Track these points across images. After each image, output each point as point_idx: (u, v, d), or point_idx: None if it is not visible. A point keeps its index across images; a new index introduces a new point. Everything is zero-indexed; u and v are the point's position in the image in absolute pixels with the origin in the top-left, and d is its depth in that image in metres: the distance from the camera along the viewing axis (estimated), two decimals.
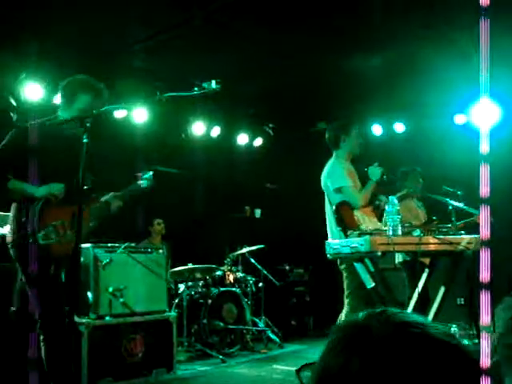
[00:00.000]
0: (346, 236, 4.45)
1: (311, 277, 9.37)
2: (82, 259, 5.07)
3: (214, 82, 3.38)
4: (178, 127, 8.60)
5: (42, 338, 3.82)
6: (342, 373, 0.87)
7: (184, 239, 8.12)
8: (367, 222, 4.75)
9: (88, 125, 3.11)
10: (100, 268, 5.27)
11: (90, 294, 5.25)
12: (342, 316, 4.86)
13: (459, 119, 8.47)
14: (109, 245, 5.61)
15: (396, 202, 4.11)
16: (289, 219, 9.59)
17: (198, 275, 7.50)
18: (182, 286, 7.24)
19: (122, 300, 5.30)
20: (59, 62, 6.64)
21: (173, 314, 5.96)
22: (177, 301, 7.03)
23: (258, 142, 9.65)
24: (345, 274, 4.83)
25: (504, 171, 5.83)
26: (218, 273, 7.62)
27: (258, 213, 9.68)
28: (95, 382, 4.98)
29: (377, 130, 9.24)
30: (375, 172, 4.90)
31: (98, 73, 6.81)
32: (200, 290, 7.23)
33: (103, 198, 4.21)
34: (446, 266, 4.68)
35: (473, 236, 4.23)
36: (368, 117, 9.17)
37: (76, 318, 4.90)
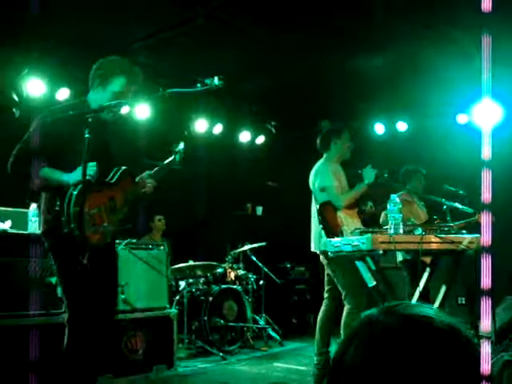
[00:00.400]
0: (328, 235, 4.51)
1: (312, 275, 9.36)
2: None
3: (216, 78, 3.38)
4: (181, 124, 8.59)
5: (66, 330, 3.68)
6: (353, 364, 0.90)
7: (185, 236, 8.12)
8: (350, 223, 4.80)
9: (90, 120, 3.08)
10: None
11: None
12: (345, 314, 4.86)
13: (461, 119, 8.47)
14: None
15: (398, 200, 4.11)
16: (290, 217, 9.58)
17: (199, 272, 7.50)
18: (182, 283, 7.24)
19: (122, 296, 5.30)
20: (61, 58, 6.65)
21: (173, 310, 5.96)
22: (177, 298, 7.03)
23: (260, 139, 9.65)
24: (337, 272, 4.88)
25: (506, 171, 5.83)
26: (219, 270, 7.62)
27: (259, 210, 9.68)
28: (95, 379, 4.98)
29: (379, 128, 9.24)
30: (369, 174, 4.98)
31: None
32: (201, 287, 7.23)
33: (137, 179, 4.06)
34: (448, 266, 4.68)
35: (474, 235, 4.22)
36: (370, 115, 9.17)
37: None
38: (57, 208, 3.53)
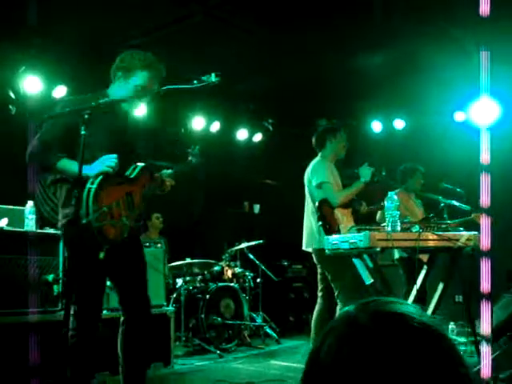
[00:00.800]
0: (327, 232, 4.51)
1: (309, 273, 9.36)
2: None
3: (213, 74, 3.38)
4: (178, 122, 8.58)
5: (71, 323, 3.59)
6: (326, 361, 0.90)
7: (182, 234, 8.11)
8: (345, 222, 4.80)
9: (86, 116, 3.06)
10: None
11: None
12: (337, 313, 4.87)
13: (459, 116, 8.47)
14: None
15: (395, 197, 4.10)
16: (287, 215, 9.58)
17: (196, 270, 7.50)
18: (179, 281, 7.24)
19: None
20: (58, 56, 6.63)
21: (171, 308, 5.96)
22: (175, 295, 7.02)
23: (258, 137, 9.64)
24: (330, 270, 4.91)
25: (504, 168, 5.83)
26: (216, 268, 7.62)
27: (256, 208, 9.68)
28: (93, 376, 4.97)
29: (376, 126, 9.24)
30: (365, 172, 4.98)
31: (97, 66, 6.87)
32: (198, 284, 7.23)
33: (154, 177, 4.01)
34: (445, 263, 4.68)
35: (472, 233, 4.23)
36: (368, 113, 9.16)
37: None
38: (73, 201, 3.51)
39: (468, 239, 4.19)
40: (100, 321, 3.76)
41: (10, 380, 4.39)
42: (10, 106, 6.75)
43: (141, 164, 3.86)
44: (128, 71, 3.75)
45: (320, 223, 4.69)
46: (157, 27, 6.35)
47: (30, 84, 6.72)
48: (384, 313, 0.92)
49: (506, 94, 6.82)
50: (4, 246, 4.63)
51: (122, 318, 3.78)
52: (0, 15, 5.88)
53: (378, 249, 3.92)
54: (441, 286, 4.55)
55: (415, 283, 4.71)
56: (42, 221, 5.58)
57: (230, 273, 7.67)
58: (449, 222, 4.43)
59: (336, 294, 4.87)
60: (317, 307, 5.13)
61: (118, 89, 3.77)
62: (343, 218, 4.88)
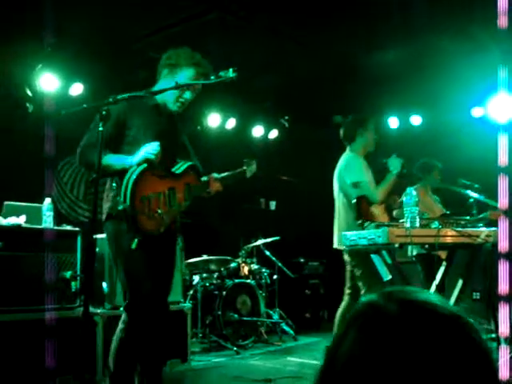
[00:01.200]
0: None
1: (326, 270, 9.35)
2: (97, 249, 5.13)
3: (231, 70, 3.36)
4: (194, 119, 8.57)
5: (121, 319, 3.64)
6: (348, 351, 0.88)
7: (199, 231, 8.11)
8: (381, 218, 4.71)
9: (104, 113, 3.06)
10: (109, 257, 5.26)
11: (105, 285, 5.26)
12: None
13: (476, 112, 8.40)
14: None
15: (414, 193, 4.06)
16: (304, 212, 9.57)
17: (213, 267, 7.50)
18: (196, 278, 7.23)
19: None
20: (75, 53, 6.65)
21: (187, 305, 5.96)
22: (191, 292, 7.03)
23: (274, 134, 9.61)
24: (358, 268, 4.78)
25: None
26: (233, 265, 7.61)
27: (272, 205, 9.65)
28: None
29: (393, 122, 9.18)
30: (395, 163, 4.80)
31: (113, 63, 6.89)
32: (214, 281, 7.23)
33: (203, 178, 3.96)
34: (464, 259, 4.63)
35: (491, 229, 4.18)
36: (385, 109, 9.11)
37: (91, 309, 4.92)
38: (114, 190, 3.52)
39: (488, 235, 4.14)
40: (162, 312, 3.77)
41: (27, 377, 4.41)
42: (27, 104, 6.79)
43: (188, 162, 3.86)
44: (174, 68, 3.76)
45: (358, 222, 4.47)
46: (172, 24, 6.35)
47: (47, 82, 6.75)
48: (412, 302, 0.90)
49: None
50: (22, 243, 4.65)
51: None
52: (16, 13, 5.91)
53: (397, 245, 3.88)
54: (460, 283, 4.50)
55: (434, 280, 4.67)
56: (59, 218, 5.60)
57: (246, 269, 7.66)
58: (468, 218, 4.37)
59: (363, 291, 4.78)
60: (342, 304, 4.99)
61: (164, 86, 3.73)
62: (379, 214, 4.79)
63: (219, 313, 6.78)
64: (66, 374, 4.56)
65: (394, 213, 6.14)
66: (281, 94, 8.49)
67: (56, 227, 4.97)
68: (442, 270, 4.70)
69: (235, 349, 6.58)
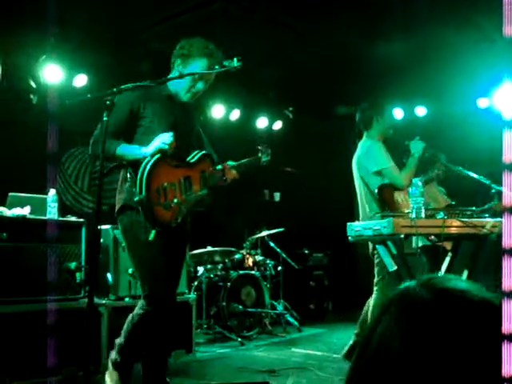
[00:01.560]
0: None
1: (330, 261, 9.34)
2: (101, 240, 5.13)
3: (235, 59, 3.35)
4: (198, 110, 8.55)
5: (139, 305, 3.68)
6: (383, 336, 0.89)
7: (203, 222, 8.11)
8: (405, 206, 4.58)
9: (108, 102, 3.05)
10: (120, 249, 5.27)
11: (109, 276, 5.26)
12: (371, 302, 4.77)
13: (482, 103, 8.36)
14: None
15: (420, 184, 4.04)
16: (308, 203, 9.56)
17: (217, 258, 7.50)
18: (201, 269, 7.24)
19: None
20: (79, 44, 6.63)
21: (192, 296, 5.96)
22: (196, 283, 7.03)
23: (278, 125, 9.59)
24: (377, 261, 4.72)
25: None
26: (237, 256, 7.61)
27: (277, 196, 9.65)
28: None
29: (398, 113, 9.14)
30: (417, 146, 4.73)
31: (117, 54, 6.87)
32: (219, 272, 7.23)
33: (218, 167, 3.96)
34: (469, 250, 4.61)
35: (497, 219, 4.16)
36: (389, 99, 9.06)
37: (96, 300, 4.92)
38: (129, 182, 3.51)
39: (493, 226, 4.12)
40: (173, 300, 3.79)
41: (31, 368, 4.41)
42: (31, 96, 6.77)
43: (203, 151, 3.85)
44: (187, 58, 3.75)
45: (384, 211, 4.32)
46: (176, 14, 6.32)
47: (51, 73, 6.73)
48: (446, 289, 0.90)
49: None
50: (27, 234, 4.64)
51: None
52: (18, 4, 5.89)
53: (402, 235, 3.87)
54: (465, 273, 4.48)
55: (439, 271, 4.65)
56: (64, 209, 5.60)
57: (250, 261, 7.66)
58: (473, 208, 4.34)
59: (376, 280, 4.72)
60: (372, 301, 4.85)
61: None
62: (402, 201, 4.69)
63: (224, 304, 6.78)
64: (70, 365, 4.56)
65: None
66: (285, 84, 8.47)
67: (60, 218, 4.97)
68: (447, 260, 4.68)
69: (240, 340, 6.58)
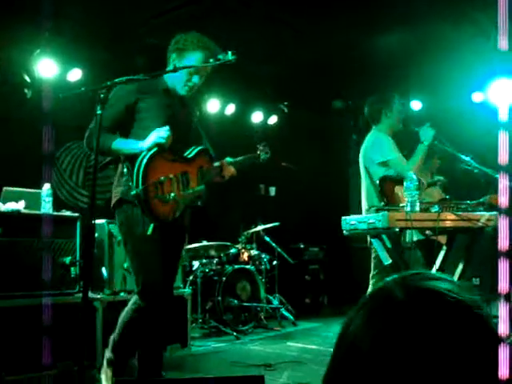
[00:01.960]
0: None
1: (326, 255, 9.35)
2: (96, 235, 5.12)
3: (230, 53, 3.34)
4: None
5: (133, 300, 3.67)
6: (356, 335, 0.87)
7: (198, 216, 8.10)
8: (403, 200, 4.58)
9: (102, 96, 3.04)
10: (115, 244, 5.26)
11: (104, 270, 5.25)
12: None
13: (477, 97, 8.36)
14: None
15: (415, 177, 4.04)
16: (303, 197, 9.56)
17: (213, 252, 7.50)
18: (196, 263, 7.24)
19: None
20: (74, 38, 6.60)
21: (187, 290, 5.96)
22: (191, 278, 7.03)
23: (273, 119, 9.58)
24: (374, 254, 4.71)
25: None
26: (233, 250, 7.61)
27: (272, 191, 9.65)
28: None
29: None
30: (427, 134, 4.66)
31: (112, 48, 6.85)
32: (214, 267, 7.23)
33: (216, 163, 3.95)
34: (464, 243, 4.61)
35: (492, 213, 4.16)
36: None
37: (91, 294, 4.92)
38: (126, 176, 3.50)
39: (488, 219, 4.13)
40: (167, 297, 3.77)
41: (26, 363, 4.41)
42: (26, 90, 6.75)
43: (200, 146, 3.84)
44: (182, 52, 3.73)
45: (382, 204, 4.32)
46: (172, 8, 6.29)
47: (45, 67, 6.70)
48: (420, 288, 0.88)
49: None
50: (21, 229, 4.64)
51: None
52: None
53: (397, 229, 3.87)
54: (460, 267, 4.49)
55: (434, 265, 4.66)
56: (59, 204, 5.59)
57: (246, 255, 7.67)
58: (468, 202, 4.34)
59: (372, 274, 4.72)
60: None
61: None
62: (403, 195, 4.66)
63: (219, 298, 6.78)
64: (65, 359, 4.56)
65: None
66: (280, 79, 8.45)
67: (55, 213, 4.96)
68: (442, 254, 4.69)
69: (235, 334, 6.59)
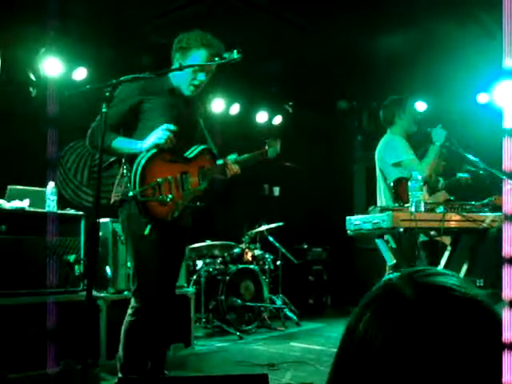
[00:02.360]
0: None
1: (329, 256, 9.35)
2: (100, 233, 5.13)
3: (235, 51, 3.34)
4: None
5: (130, 305, 3.66)
6: (365, 334, 0.86)
7: (202, 216, 8.11)
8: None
9: (107, 94, 3.03)
10: (119, 243, 5.27)
11: (108, 269, 5.26)
12: None
13: (482, 98, 8.35)
14: None
15: (419, 177, 4.03)
16: (307, 198, 9.55)
17: (216, 252, 7.50)
18: (200, 263, 7.25)
19: None
20: (79, 37, 6.61)
21: (191, 289, 5.97)
22: (195, 277, 7.03)
23: (278, 119, 9.57)
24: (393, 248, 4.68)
25: None
26: (236, 250, 7.61)
27: (276, 191, 9.65)
28: (113, 356, 4.99)
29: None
30: (439, 134, 4.65)
31: (117, 47, 6.85)
32: (218, 266, 7.23)
33: (219, 161, 3.91)
34: (469, 244, 4.60)
35: (497, 214, 4.15)
36: (389, 95, 9.05)
37: (95, 293, 4.92)
38: (126, 177, 3.49)
39: (493, 220, 4.12)
40: (170, 296, 3.79)
41: (30, 361, 4.42)
42: (31, 88, 6.76)
43: (202, 146, 3.83)
44: (186, 51, 3.73)
45: (396, 205, 4.31)
46: (175, 8, 6.30)
47: (50, 66, 6.71)
48: (429, 285, 0.88)
49: None
50: (26, 227, 4.65)
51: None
52: None
53: (401, 229, 3.86)
54: (465, 268, 4.48)
55: (438, 266, 4.65)
56: (63, 203, 5.60)
57: (249, 255, 7.66)
58: (473, 203, 4.33)
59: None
60: None
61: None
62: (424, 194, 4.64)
63: (222, 298, 6.78)
64: (69, 357, 4.56)
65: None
66: (285, 79, 8.45)
67: (60, 211, 4.97)
68: (446, 255, 4.67)
69: (238, 334, 6.59)
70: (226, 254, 7.45)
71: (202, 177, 3.77)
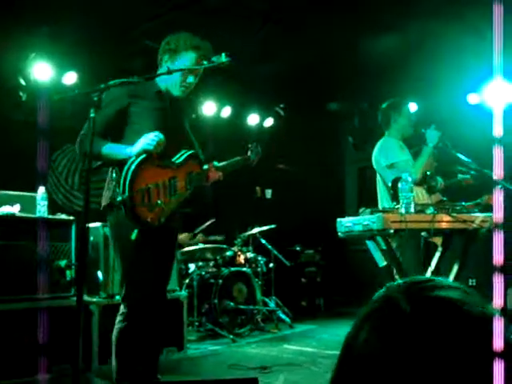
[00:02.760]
0: None
1: (322, 258, 9.36)
2: (91, 238, 5.12)
3: (223, 54, 3.33)
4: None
5: (119, 311, 3.62)
6: (364, 350, 0.86)
7: (194, 219, 8.09)
8: (421, 200, 4.58)
9: (95, 99, 3.02)
10: (110, 247, 5.24)
11: (100, 274, 5.24)
12: None
13: (472, 99, 8.37)
14: None
15: (409, 179, 4.04)
16: (300, 200, 9.56)
17: (209, 255, 7.49)
18: (192, 266, 7.24)
19: None
20: (69, 42, 6.60)
21: (183, 293, 5.95)
22: (187, 281, 7.02)
23: (269, 122, 9.58)
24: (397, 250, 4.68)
25: None
26: (229, 253, 7.60)
27: (268, 193, 9.64)
28: (106, 361, 4.98)
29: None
30: (432, 136, 4.66)
31: (107, 52, 6.84)
32: (210, 270, 7.22)
33: (205, 166, 3.89)
34: (459, 245, 4.61)
35: (487, 214, 4.17)
36: (379, 96, 9.07)
37: (86, 298, 4.91)
38: (115, 181, 3.47)
39: (483, 221, 4.13)
40: (160, 300, 3.75)
41: (22, 367, 4.40)
42: (21, 93, 6.74)
43: (190, 151, 3.82)
44: (175, 53, 3.71)
45: (394, 205, 4.29)
46: (168, 10, 6.29)
47: (40, 70, 6.70)
48: (427, 299, 0.87)
49: None
50: (16, 232, 4.63)
51: None
52: (10, 1, 5.86)
53: (392, 231, 3.87)
54: (455, 268, 4.49)
55: (429, 266, 4.66)
56: (55, 208, 5.59)
57: (242, 258, 7.66)
58: (463, 203, 4.34)
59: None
60: None
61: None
62: (418, 195, 4.65)
63: (215, 301, 6.77)
64: (61, 363, 4.55)
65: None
66: (276, 82, 8.45)
67: (50, 216, 4.96)
68: (437, 255, 4.68)
69: (231, 337, 6.58)
70: (218, 257, 7.44)
71: (189, 181, 3.76)
